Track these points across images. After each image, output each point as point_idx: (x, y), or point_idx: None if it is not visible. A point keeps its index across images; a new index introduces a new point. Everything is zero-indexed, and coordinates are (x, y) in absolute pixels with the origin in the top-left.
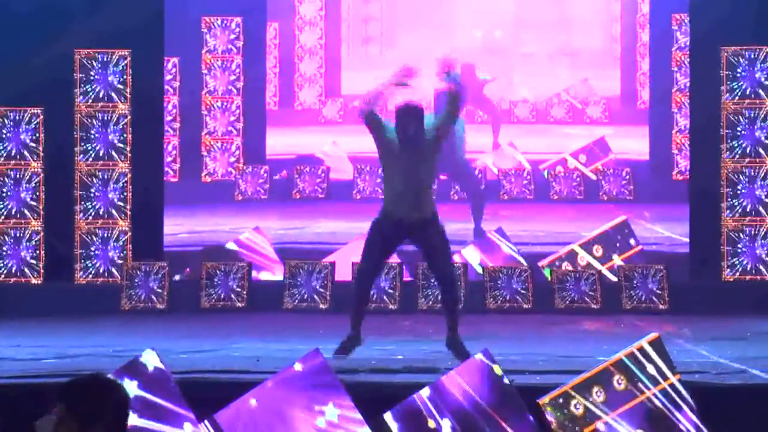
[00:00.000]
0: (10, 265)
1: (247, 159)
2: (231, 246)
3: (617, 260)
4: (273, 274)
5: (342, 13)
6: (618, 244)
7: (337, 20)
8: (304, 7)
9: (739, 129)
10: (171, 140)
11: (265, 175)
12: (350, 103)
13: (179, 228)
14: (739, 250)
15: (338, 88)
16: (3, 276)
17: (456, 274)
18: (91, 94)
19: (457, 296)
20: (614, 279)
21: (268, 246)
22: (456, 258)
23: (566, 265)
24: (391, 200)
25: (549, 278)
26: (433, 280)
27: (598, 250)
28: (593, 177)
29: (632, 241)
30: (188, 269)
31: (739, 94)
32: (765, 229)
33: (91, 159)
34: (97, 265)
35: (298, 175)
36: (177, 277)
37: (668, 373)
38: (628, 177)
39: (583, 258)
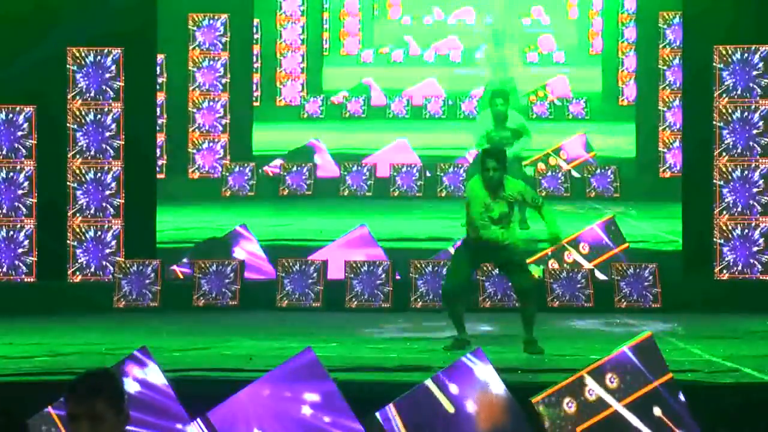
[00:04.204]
0: (2, 263)
1: (234, 155)
2: (226, 239)
3: (604, 258)
4: (260, 271)
5: (323, 9)
6: (605, 242)
7: (319, 16)
8: (286, 2)
9: (731, 127)
10: (158, 137)
11: (252, 171)
12: (331, 98)
13: (166, 225)
14: (732, 249)
15: (319, 83)
16: None
17: (533, 289)
18: (84, 91)
19: (533, 311)
20: (603, 277)
21: (255, 243)
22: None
23: (553, 263)
24: (472, 227)
25: (541, 276)
26: (425, 279)
27: (584, 248)
28: (576, 174)
29: (619, 239)
30: (175, 267)
31: (732, 92)
32: (757, 228)
33: (83, 157)
34: (90, 263)
35: (285, 173)
36: (176, 270)
37: (660, 372)
38: (614, 174)
39: (570, 255)
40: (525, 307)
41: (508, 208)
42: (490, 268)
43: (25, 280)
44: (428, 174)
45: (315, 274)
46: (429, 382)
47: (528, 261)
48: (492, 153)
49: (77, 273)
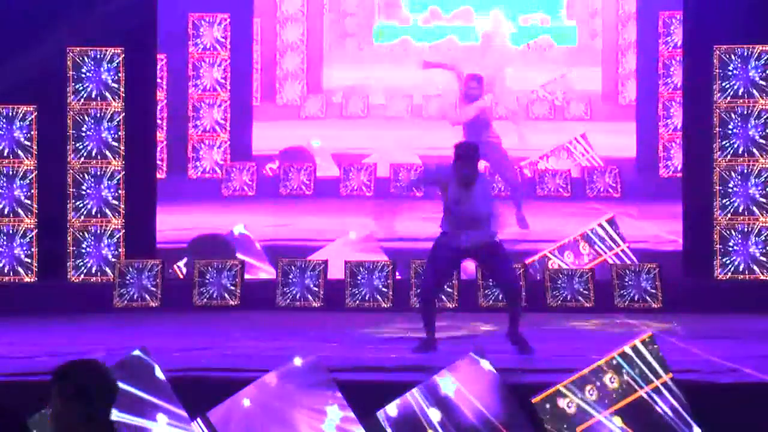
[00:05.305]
0: (3, 263)
1: (234, 155)
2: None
3: (604, 258)
4: (260, 271)
5: (323, 8)
6: (605, 242)
7: (318, 15)
8: (285, 2)
9: (731, 128)
10: (158, 136)
11: (252, 171)
12: (332, 97)
13: (166, 225)
14: (732, 249)
15: (320, 83)
16: None
17: (518, 286)
18: (84, 92)
19: (519, 308)
20: (603, 277)
21: (255, 243)
22: None
23: (553, 263)
24: (450, 225)
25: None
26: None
27: (585, 248)
28: (574, 174)
29: (619, 239)
30: (174, 266)
31: (732, 92)
32: (757, 228)
33: (84, 157)
34: (90, 263)
35: (284, 172)
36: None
37: (661, 372)
38: (614, 174)
39: (569, 255)
40: (512, 305)
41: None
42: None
43: (25, 280)
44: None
45: (315, 274)
46: (429, 382)
47: (528, 261)
48: (464, 148)
49: (77, 273)
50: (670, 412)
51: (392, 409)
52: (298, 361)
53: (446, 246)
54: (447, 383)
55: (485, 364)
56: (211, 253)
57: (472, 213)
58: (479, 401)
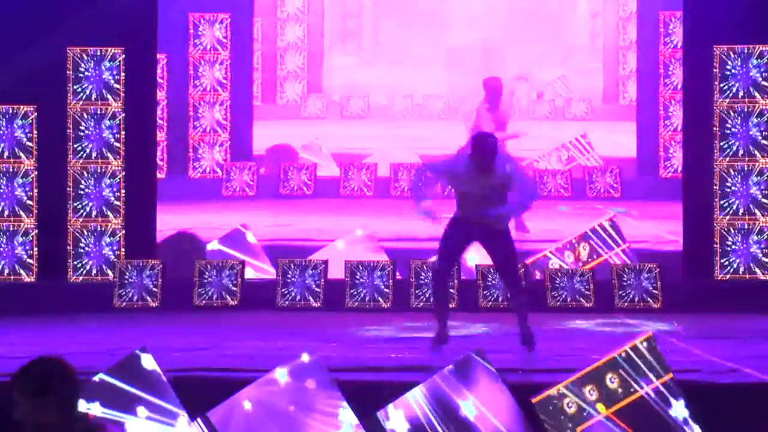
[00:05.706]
0: (3, 263)
1: (234, 155)
2: (214, 245)
3: (604, 258)
4: (260, 271)
5: (324, 8)
6: (605, 242)
7: (319, 16)
8: (286, 2)
9: (731, 127)
10: (158, 137)
11: (252, 171)
12: (332, 97)
13: (166, 225)
14: (732, 249)
15: (320, 83)
16: None
17: (521, 281)
18: (84, 92)
19: (523, 301)
20: (602, 277)
21: (255, 243)
22: None
23: (553, 263)
24: (463, 211)
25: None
26: (425, 279)
27: (584, 248)
28: (575, 174)
29: (619, 239)
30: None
31: (732, 92)
32: (758, 228)
33: (84, 157)
34: (90, 263)
35: (284, 172)
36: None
37: (661, 372)
38: (615, 174)
39: (570, 255)
40: (517, 299)
41: (499, 189)
42: (486, 265)
43: (25, 280)
44: (429, 174)
45: (315, 274)
46: (429, 382)
47: (528, 261)
48: (482, 141)
49: (77, 273)
50: (670, 412)
51: (392, 409)
52: (305, 358)
53: (456, 227)
54: (447, 383)
55: (485, 364)
56: (181, 251)
57: (485, 195)
58: (479, 401)
